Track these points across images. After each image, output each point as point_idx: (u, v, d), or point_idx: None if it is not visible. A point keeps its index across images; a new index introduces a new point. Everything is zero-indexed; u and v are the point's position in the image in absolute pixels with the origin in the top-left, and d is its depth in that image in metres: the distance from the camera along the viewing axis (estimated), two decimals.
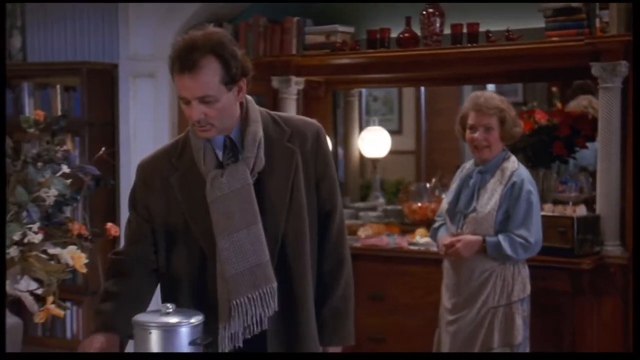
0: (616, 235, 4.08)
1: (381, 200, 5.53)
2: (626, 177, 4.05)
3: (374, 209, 5.43)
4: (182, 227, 2.33)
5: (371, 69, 4.83)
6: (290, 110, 4.84)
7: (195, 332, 2.11)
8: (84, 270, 2.07)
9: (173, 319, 2.09)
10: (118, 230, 2.21)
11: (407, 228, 4.93)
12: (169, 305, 2.12)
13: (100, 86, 5.29)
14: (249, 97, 2.36)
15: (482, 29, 4.40)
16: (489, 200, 3.60)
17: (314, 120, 2.47)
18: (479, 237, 3.58)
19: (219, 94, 2.20)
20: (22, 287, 2.08)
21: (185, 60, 2.17)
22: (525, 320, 3.61)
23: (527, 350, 3.64)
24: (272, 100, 4.95)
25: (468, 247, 3.58)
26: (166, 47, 2.56)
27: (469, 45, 4.42)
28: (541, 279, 3.83)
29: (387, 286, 4.52)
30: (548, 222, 3.86)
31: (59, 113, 5.07)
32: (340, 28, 4.85)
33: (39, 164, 2.11)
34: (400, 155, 5.82)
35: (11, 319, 2.17)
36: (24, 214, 2.03)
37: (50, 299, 2.03)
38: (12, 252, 1.99)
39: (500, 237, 3.54)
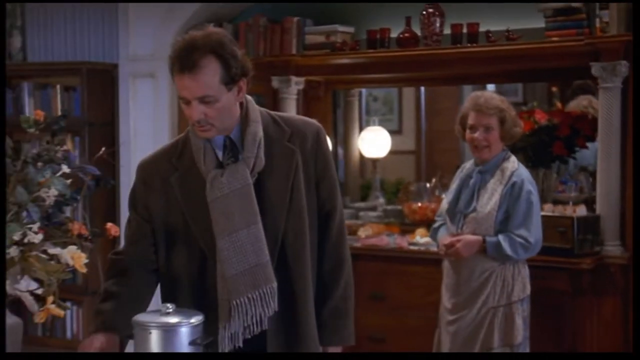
0: (616, 235, 4.08)
1: (381, 200, 5.52)
2: (626, 177, 4.05)
3: (374, 209, 5.42)
4: (182, 227, 2.33)
5: (371, 69, 4.83)
6: (290, 110, 4.83)
7: (195, 332, 2.10)
8: (84, 270, 2.07)
9: (173, 319, 2.09)
10: (118, 230, 2.21)
11: (407, 228, 4.93)
12: (169, 305, 2.11)
13: (100, 86, 5.29)
14: (249, 97, 2.35)
15: (482, 29, 4.40)
16: (489, 200, 3.59)
17: (314, 120, 2.46)
18: (479, 237, 3.58)
19: (219, 94, 2.20)
20: (22, 287, 2.08)
21: (185, 60, 2.17)
22: (525, 320, 3.61)
23: (527, 350, 3.63)
24: (272, 100, 4.95)
25: (468, 247, 3.58)
26: (166, 47, 2.57)
27: (469, 45, 4.42)
28: (541, 278, 3.83)
29: (387, 286, 4.52)
30: (548, 222, 3.86)
31: (59, 113, 5.06)
32: (340, 28, 4.85)
33: (39, 164, 2.11)
34: (400, 155, 5.82)
35: (11, 319, 2.17)
36: (24, 214, 2.03)
37: (50, 299, 2.03)
38: (12, 252, 1.99)
39: (500, 237, 3.54)
